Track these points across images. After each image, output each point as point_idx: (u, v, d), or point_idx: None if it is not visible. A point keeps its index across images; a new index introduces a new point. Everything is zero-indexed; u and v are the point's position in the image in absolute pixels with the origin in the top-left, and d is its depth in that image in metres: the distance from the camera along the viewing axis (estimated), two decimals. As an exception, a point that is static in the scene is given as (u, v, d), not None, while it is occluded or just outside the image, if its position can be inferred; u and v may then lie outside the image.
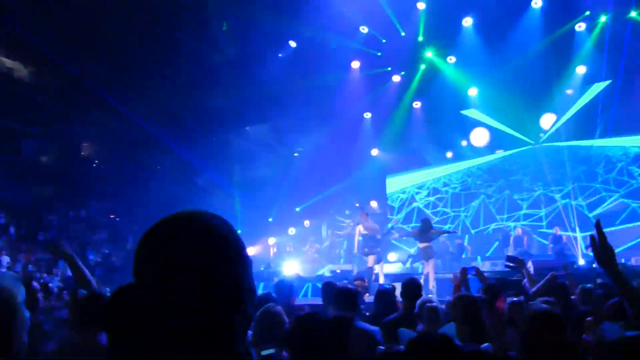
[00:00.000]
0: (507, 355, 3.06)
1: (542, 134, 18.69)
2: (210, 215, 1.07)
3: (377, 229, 11.49)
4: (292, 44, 18.44)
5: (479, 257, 16.19)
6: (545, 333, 2.43)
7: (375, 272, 11.13)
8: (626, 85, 16.53)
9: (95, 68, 16.19)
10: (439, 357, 1.90)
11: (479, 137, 19.81)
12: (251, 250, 19.69)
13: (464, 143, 20.06)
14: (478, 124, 19.73)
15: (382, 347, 2.87)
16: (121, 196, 19.98)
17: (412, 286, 4.54)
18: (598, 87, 17.45)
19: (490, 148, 19.91)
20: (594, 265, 11.59)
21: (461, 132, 20.09)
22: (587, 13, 16.57)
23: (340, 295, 3.93)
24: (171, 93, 16.76)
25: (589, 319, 4.04)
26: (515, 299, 4.99)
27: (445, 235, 14.10)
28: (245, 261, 1.06)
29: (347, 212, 20.19)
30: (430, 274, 10.66)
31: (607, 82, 17.16)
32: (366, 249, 11.07)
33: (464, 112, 19.89)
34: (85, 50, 15.82)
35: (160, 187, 18.16)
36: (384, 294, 4.88)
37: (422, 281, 9.77)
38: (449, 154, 20.61)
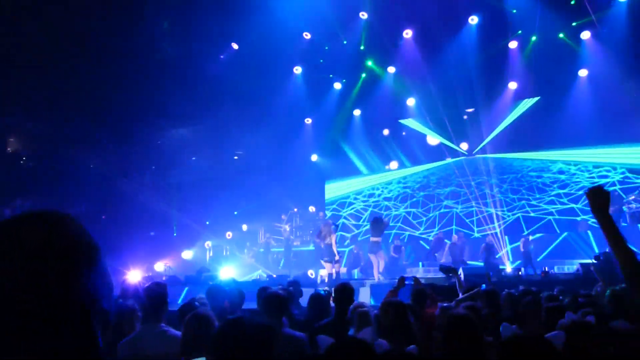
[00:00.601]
0: (430, 356, 3.18)
1: (466, 147, 19.46)
2: (48, 215, 1.02)
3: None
4: (235, 46, 18.29)
5: (420, 264, 16.53)
6: (460, 334, 2.55)
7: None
8: (553, 101, 17.47)
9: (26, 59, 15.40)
10: None
11: (427, 151, 20.42)
12: (186, 254, 19.30)
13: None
14: (416, 133, 20.29)
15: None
16: (48, 195, 19.09)
17: (344, 291, 4.58)
18: (528, 102, 18.36)
19: (429, 157, 20.52)
20: (520, 273, 12.22)
21: (400, 141, 20.55)
22: (519, 32, 17.42)
23: (268, 300, 3.93)
24: (106, 90, 16.18)
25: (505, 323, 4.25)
26: (445, 304, 5.17)
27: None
28: (79, 263, 0.98)
29: (284, 217, 20.19)
30: (381, 262, 12.29)
31: (536, 99, 18.12)
32: (326, 258, 11.96)
33: (402, 121, 20.38)
34: (18, 44, 15.05)
35: (93, 184, 17.48)
36: (317, 300, 4.89)
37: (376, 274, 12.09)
38: (394, 164, 21.05)
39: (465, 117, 19.23)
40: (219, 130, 19.61)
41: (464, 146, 19.59)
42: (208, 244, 19.55)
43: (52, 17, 14.10)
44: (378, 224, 12.61)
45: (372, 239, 12.44)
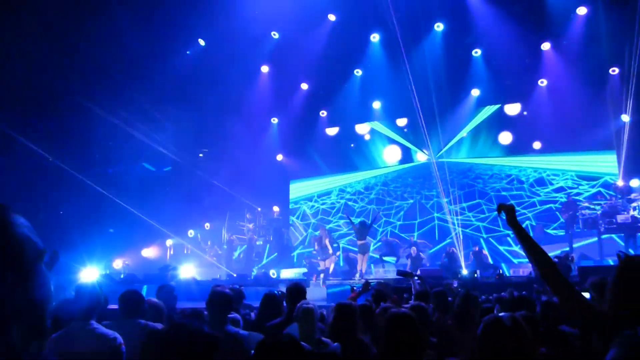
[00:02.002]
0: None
1: (426, 151, 19.85)
2: None
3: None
4: (201, 42, 18.15)
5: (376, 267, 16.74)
6: (399, 334, 2.68)
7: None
8: (513, 109, 17.94)
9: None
10: (282, 357, 1.97)
11: (392, 154, 20.69)
12: (147, 252, 19.05)
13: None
14: (380, 136, 20.57)
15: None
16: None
17: (295, 290, 4.67)
18: (489, 109, 18.84)
19: (392, 161, 20.75)
20: (475, 275, 12.55)
21: (363, 143, 20.85)
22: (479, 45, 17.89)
23: (212, 298, 3.89)
24: (66, 85, 15.79)
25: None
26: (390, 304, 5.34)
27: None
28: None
29: (248, 215, 20.15)
30: (364, 264, 13.84)
31: (497, 106, 18.60)
32: (324, 257, 14.24)
33: (368, 123, 20.56)
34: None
35: (50, 178, 17.04)
36: (270, 299, 4.94)
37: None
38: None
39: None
40: (183, 127, 19.41)
41: (424, 153, 19.92)
42: (169, 241, 19.44)
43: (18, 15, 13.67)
44: (363, 229, 14.01)
45: (360, 242, 13.91)
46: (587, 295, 3.71)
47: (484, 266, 14.23)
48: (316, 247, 14.95)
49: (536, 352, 2.95)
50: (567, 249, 14.65)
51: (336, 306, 3.69)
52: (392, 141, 20.39)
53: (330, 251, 14.43)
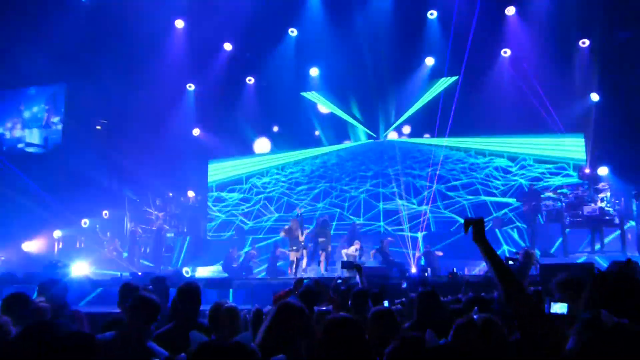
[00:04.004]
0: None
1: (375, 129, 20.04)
2: None
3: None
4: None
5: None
6: (340, 341, 2.74)
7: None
8: (471, 82, 18.31)
9: None
10: None
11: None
12: (28, 245, 18.49)
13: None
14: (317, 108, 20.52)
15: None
16: None
17: (187, 292, 4.60)
18: (445, 82, 19.12)
19: (332, 138, 20.79)
20: (426, 274, 12.79)
21: (300, 117, 20.73)
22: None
23: (137, 305, 3.84)
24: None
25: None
26: (323, 307, 5.34)
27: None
28: None
29: (157, 202, 19.75)
30: (323, 258, 15.25)
31: (454, 78, 18.90)
32: (294, 247, 15.10)
33: (304, 94, 20.48)
34: None
35: None
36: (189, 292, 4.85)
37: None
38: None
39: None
40: (78, 91, 18.77)
41: (374, 128, 20.07)
42: (57, 233, 18.94)
43: None
44: (325, 227, 15.64)
45: (321, 239, 15.47)
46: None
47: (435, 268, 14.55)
48: (282, 235, 15.68)
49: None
50: (528, 244, 15.09)
51: (279, 307, 3.56)
52: (333, 117, 20.38)
53: (302, 240, 15.30)
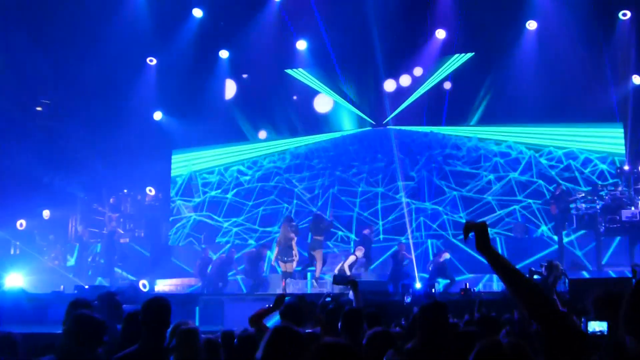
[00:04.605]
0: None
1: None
2: None
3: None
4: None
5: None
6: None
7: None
8: (491, 60, 18.31)
9: None
10: None
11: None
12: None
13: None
14: (306, 88, 20.51)
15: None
16: None
17: (155, 309, 4.49)
18: (458, 59, 19.10)
19: (322, 125, 20.82)
20: (433, 290, 12.77)
21: (284, 99, 20.71)
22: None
23: (79, 325, 3.88)
24: None
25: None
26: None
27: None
28: None
29: (111, 200, 19.70)
30: (318, 263, 15.31)
31: (469, 55, 18.91)
32: (285, 258, 15.06)
33: (289, 71, 20.47)
34: None
35: None
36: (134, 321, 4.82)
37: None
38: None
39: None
40: (13, 66, 18.62)
41: (373, 114, 20.08)
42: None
43: None
44: (318, 222, 15.74)
45: (315, 237, 15.46)
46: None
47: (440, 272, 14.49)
48: (276, 251, 15.55)
49: None
50: (556, 255, 15.05)
51: (273, 331, 3.51)
52: (319, 98, 20.51)
53: (295, 252, 15.21)
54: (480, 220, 2.84)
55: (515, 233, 16.64)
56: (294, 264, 15.26)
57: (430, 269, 14.83)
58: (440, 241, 16.74)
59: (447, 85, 19.10)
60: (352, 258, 15.04)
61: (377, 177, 19.32)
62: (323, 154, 20.73)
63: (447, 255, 14.70)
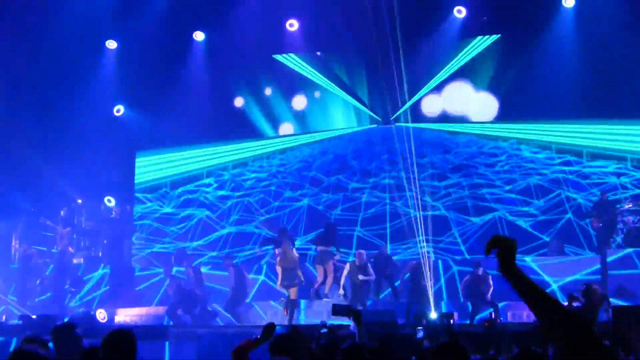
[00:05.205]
0: None
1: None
2: None
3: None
4: None
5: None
6: None
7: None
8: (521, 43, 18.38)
9: None
10: None
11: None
12: None
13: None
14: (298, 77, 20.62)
15: None
16: None
17: (117, 345, 4.39)
18: (481, 42, 19.18)
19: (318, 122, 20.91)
20: (451, 321, 12.75)
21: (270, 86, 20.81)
22: None
23: None
24: None
25: None
26: None
27: None
28: None
29: (62, 212, 19.66)
30: (329, 278, 15.81)
31: (494, 37, 18.96)
32: (286, 282, 15.36)
33: (277, 56, 20.59)
34: None
35: None
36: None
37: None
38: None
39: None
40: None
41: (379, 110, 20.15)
42: None
43: None
44: (333, 232, 16.52)
45: (320, 247, 16.14)
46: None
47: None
48: (279, 271, 15.72)
49: None
50: (597, 277, 15.06)
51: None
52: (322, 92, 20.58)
53: (300, 274, 15.67)
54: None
55: (551, 252, 16.60)
56: (294, 292, 15.49)
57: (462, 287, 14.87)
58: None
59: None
60: (347, 267, 15.60)
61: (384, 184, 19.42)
62: (319, 157, 20.80)
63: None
